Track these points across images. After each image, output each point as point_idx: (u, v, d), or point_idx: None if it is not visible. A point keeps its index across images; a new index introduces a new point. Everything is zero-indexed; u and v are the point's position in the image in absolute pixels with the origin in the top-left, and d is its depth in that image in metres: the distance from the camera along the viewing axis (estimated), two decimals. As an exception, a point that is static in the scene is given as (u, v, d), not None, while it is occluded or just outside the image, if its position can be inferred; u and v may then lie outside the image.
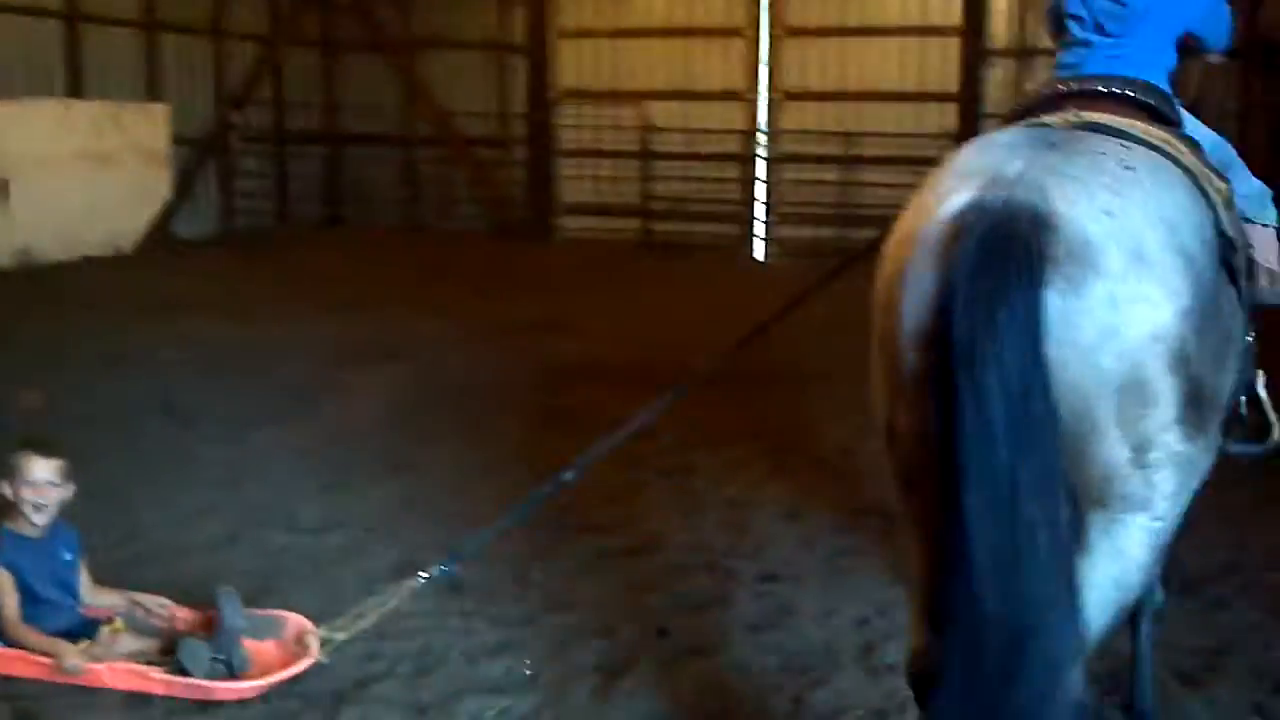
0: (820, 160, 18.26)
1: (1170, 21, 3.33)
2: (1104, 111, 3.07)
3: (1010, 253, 2.45)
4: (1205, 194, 2.91)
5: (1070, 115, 3.03)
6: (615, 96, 19.15)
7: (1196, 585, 5.27)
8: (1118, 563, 2.70)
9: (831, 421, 8.04)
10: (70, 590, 4.48)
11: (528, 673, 4.35)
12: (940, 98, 17.50)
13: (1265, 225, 3.36)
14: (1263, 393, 3.23)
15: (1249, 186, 3.37)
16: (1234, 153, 3.41)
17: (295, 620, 4.50)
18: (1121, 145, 2.86)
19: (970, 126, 17.18)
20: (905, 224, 2.85)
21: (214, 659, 4.18)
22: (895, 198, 13.25)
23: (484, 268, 15.30)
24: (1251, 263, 3.12)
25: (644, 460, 7.04)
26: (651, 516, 6.15)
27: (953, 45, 17.49)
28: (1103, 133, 2.92)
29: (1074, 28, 3.40)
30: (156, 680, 4.12)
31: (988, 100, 17.36)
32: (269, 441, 7.33)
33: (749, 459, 7.11)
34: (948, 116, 17.40)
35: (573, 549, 5.64)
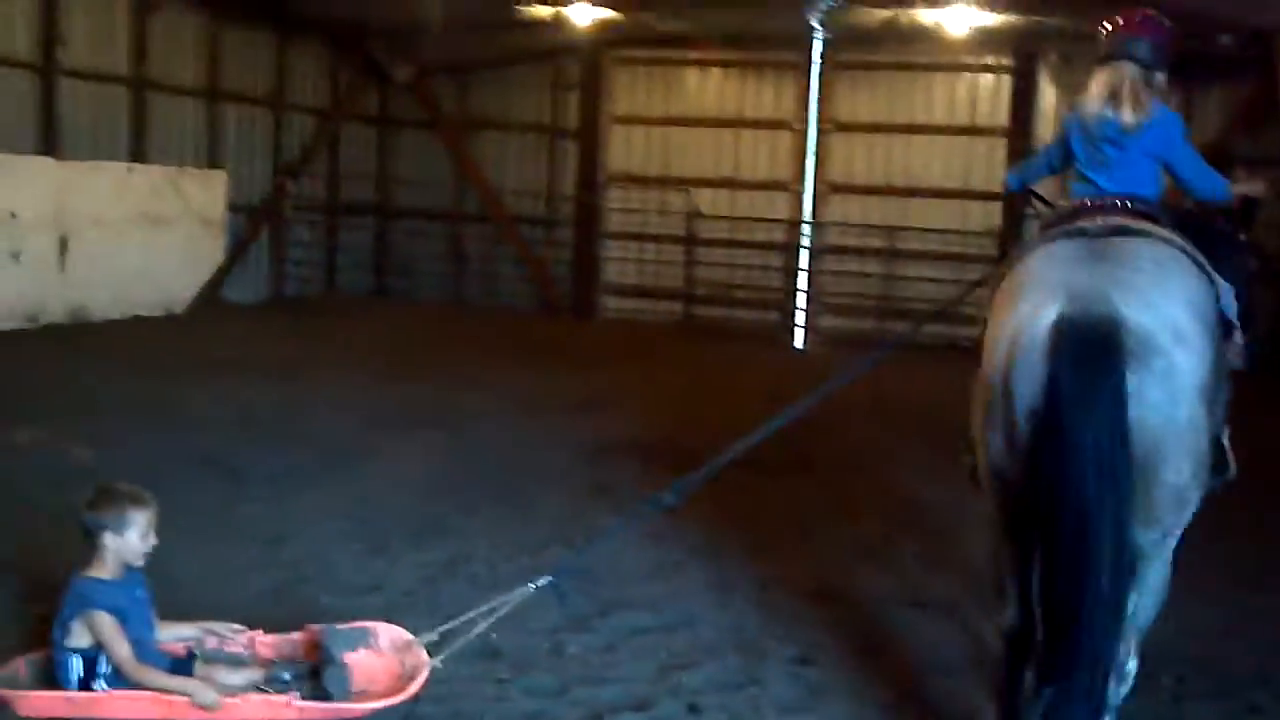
0: (862, 253, 18.41)
1: (1154, 157, 4.57)
2: (1123, 217, 4.28)
3: (1096, 351, 3.62)
4: (1211, 280, 4.08)
5: (1099, 220, 4.24)
6: (663, 182, 19.42)
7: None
8: (1165, 569, 4.01)
9: (863, 506, 8.07)
10: (150, 627, 4.44)
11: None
12: (985, 196, 17.63)
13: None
14: (1226, 439, 4.21)
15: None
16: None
17: (385, 629, 4.62)
18: (1148, 243, 4.06)
19: (1014, 225, 17.33)
20: (1009, 328, 3.90)
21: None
22: (936, 292, 13.47)
23: (526, 344, 15.45)
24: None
25: (675, 539, 7.10)
26: (684, 594, 6.18)
27: (999, 145, 17.68)
28: (1129, 234, 4.11)
29: (1082, 162, 4.66)
30: (293, 708, 4.14)
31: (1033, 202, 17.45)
32: (310, 502, 7.42)
33: (778, 541, 7.12)
34: (991, 215, 17.54)
35: (607, 623, 5.67)
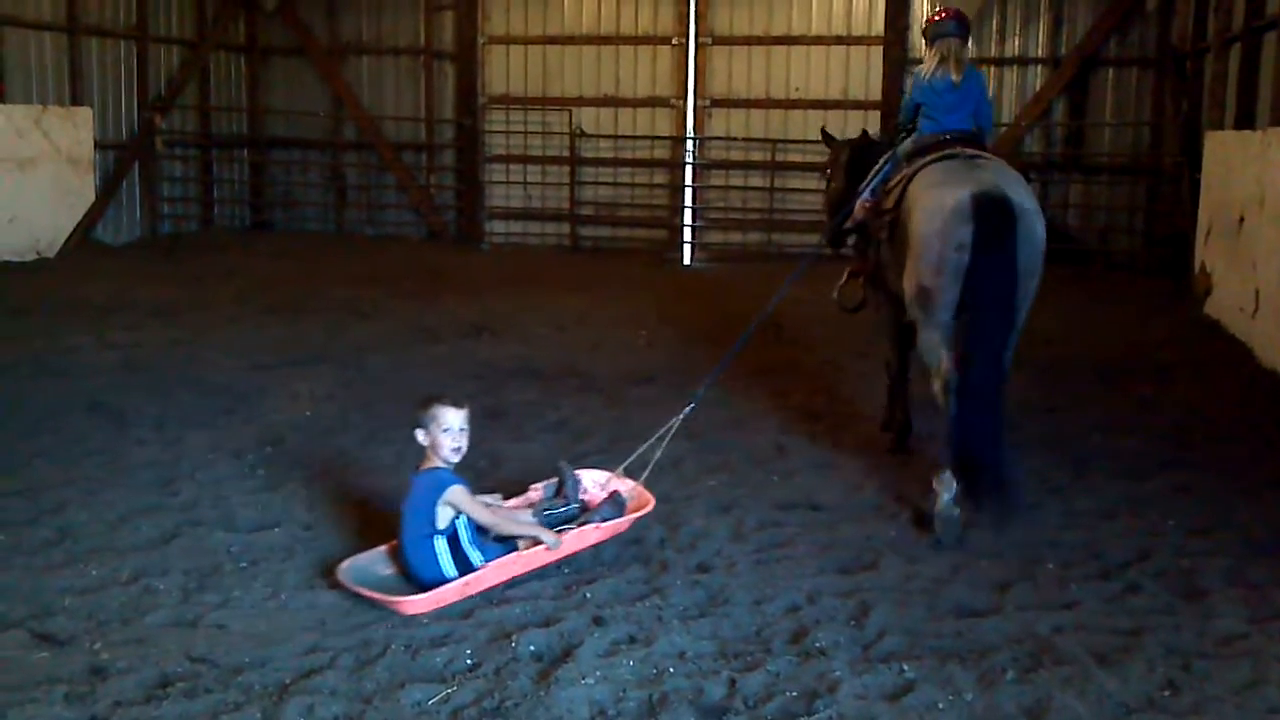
0: (747, 166, 18.51)
1: (971, 102, 6.97)
2: (972, 147, 6.72)
3: (1002, 214, 5.88)
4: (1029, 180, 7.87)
5: (958, 150, 6.61)
6: (543, 102, 19.24)
7: (1113, 571, 5.50)
8: (1021, 320, 6.13)
9: (764, 418, 8.22)
10: None
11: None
12: (864, 105, 17.83)
13: None
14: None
15: None
16: None
17: (587, 472, 6.16)
18: (999, 162, 6.53)
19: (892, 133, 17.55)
20: (938, 204, 6.04)
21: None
22: (820, 203, 13.80)
23: (413, 272, 15.31)
24: None
25: (584, 459, 7.16)
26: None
27: (876, 54, 17.86)
28: (986, 157, 6.57)
29: (928, 107, 7.00)
30: (598, 531, 5.54)
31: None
32: (202, 443, 7.32)
33: (684, 455, 7.22)
34: (871, 124, 17.73)
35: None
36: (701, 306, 10.21)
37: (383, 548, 5.36)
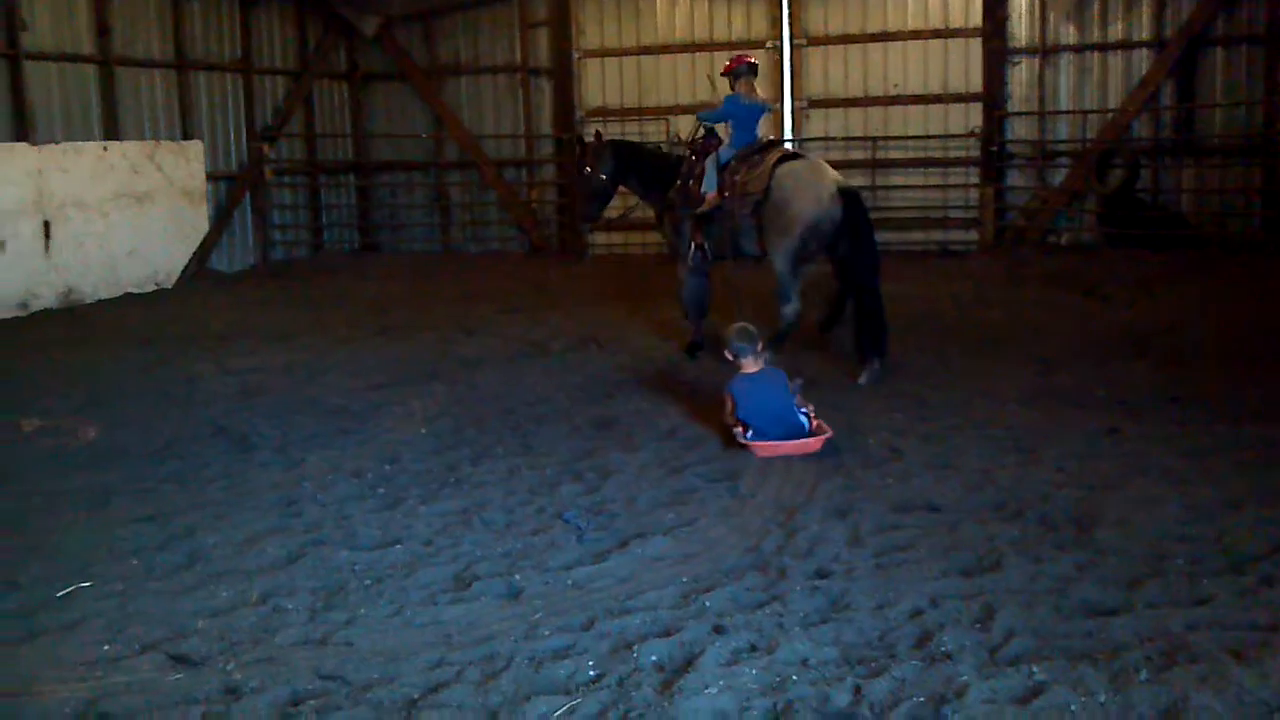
0: (847, 166, 18.33)
1: (760, 120, 10.46)
2: (781, 150, 10.29)
3: (858, 198, 9.57)
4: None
5: (780, 153, 10.03)
6: (640, 112, 19.30)
7: (1244, 564, 5.33)
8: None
9: (875, 418, 8.13)
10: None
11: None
12: (965, 99, 17.58)
13: None
14: None
15: None
16: None
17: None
18: (819, 161, 10.22)
19: (994, 124, 17.30)
20: (815, 193, 9.48)
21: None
22: (924, 199, 14.86)
23: (517, 288, 15.46)
24: None
25: (694, 468, 7.17)
26: (701, 521, 6.25)
27: (975, 46, 17.59)
28: (805, 157, 10.30)
29: (741, 122, 10.25)
30: (822, 439, 7.45)
31: (1015, 98, 17.47)
32: (322, 464, 7.47)
33: (788, 463, 7.18)
34: (973, 116, 17.52)
35: (627, 555, 5.74)
36: (805, 308, 10.19)
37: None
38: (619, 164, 10.84)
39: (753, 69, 10.27)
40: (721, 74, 10.51)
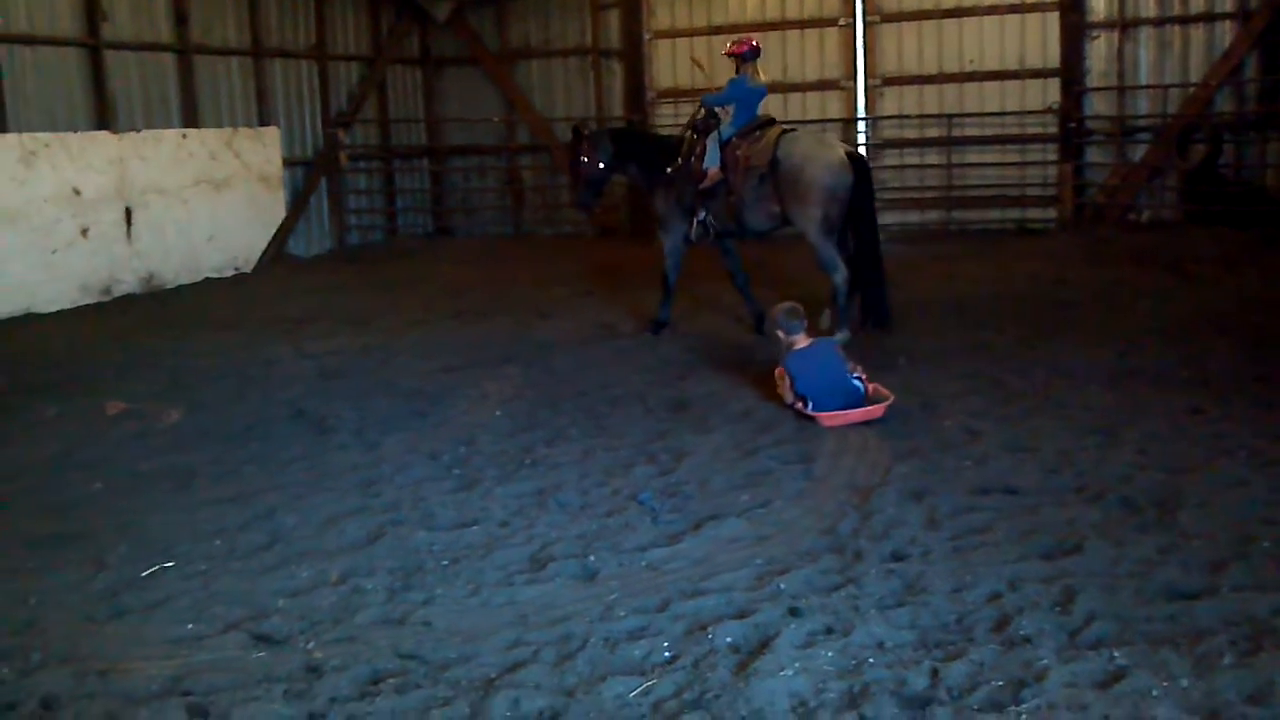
0: (922, 144, 18.15)
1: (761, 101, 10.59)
2: (780, 126, 10.43)
3: (866, 166, 10.16)
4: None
5: (781, 129, 10.29)
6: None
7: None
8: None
9: (952, 401, 8.06)
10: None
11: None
12: (1043, 74, 17.28)
13: None
14: None
15: None
16: None
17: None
18: (826, 133, 13.77)
19: (1073, 100, 16.98)
20: (828, 161, 9.85)
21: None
22: (1001, 177, 14.68)
23: (590, 270, 15.49)
24: None
25: (767, 449, 7.15)
26: (775, 503, 6.23)
27: (1052, 20, 17.27)
28: (805, 131, 10.70)
29: (745, 103, 10.34)
30: (884, 407, 7.69)
31: (1093, 73, 17.14)
32: (399, 446, 7.56)
33: (869, 442, 7.14)
34: (1050, 92, 17.21)
35: (701, 537, 5.75)
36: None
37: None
38: (618, 152, 10.97)
39: (756, 52, 10.37)
40: (725, 54, 10.55)
